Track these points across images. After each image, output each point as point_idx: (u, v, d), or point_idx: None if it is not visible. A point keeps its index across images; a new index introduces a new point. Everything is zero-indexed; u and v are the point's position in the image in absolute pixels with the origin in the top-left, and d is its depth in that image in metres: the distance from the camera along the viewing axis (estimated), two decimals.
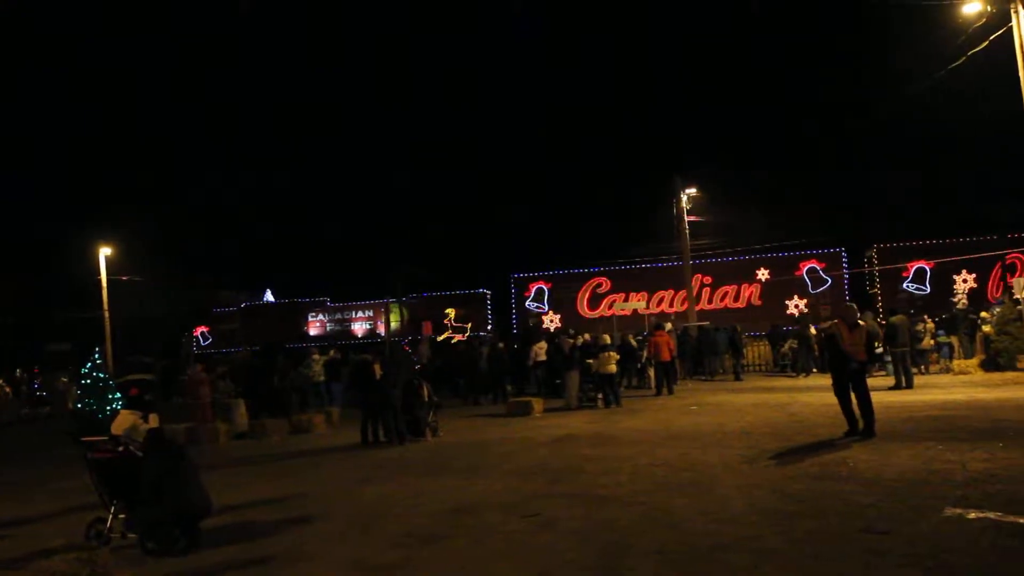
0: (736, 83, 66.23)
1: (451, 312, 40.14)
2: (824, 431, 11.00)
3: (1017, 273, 29.40)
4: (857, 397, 10.42)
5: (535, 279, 38.27)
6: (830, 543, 5.66)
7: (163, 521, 6.73)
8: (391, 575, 5.78)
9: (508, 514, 7.29)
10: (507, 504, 7.73)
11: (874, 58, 57.51)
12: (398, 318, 40.83)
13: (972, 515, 6.12)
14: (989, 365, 19.23)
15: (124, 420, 8.51)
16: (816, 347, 21.78)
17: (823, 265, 34.20)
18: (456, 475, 9.73)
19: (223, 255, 58.18)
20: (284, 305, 44.97)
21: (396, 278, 40.33)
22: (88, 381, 16.17)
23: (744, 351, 25.60)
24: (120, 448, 7.30)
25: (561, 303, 37.29)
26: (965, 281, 31.95)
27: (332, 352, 24.05)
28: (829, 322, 11.28)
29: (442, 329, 38.77)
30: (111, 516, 7.16)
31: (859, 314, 11.52)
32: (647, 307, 34.22)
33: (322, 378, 21.80)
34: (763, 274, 34.90)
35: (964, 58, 17.92)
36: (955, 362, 20.85)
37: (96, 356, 16.96)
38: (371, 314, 41.97)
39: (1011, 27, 17.21)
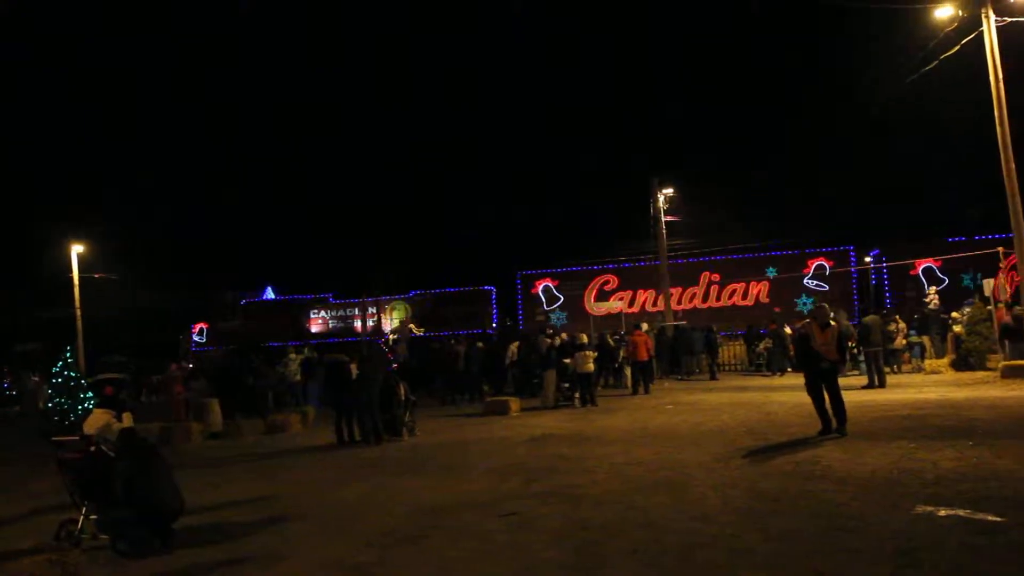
0: (735, 83, 66.76)
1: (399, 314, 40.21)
2: (798, 430, 11.11)
3: None
4: (829, 396, 10.53)
5: (541, 276, 37.86)
6: (804, 541, 5.71)
7: (136, 522, 6.66)
8: (367, 575, 5.76)
9: (485, 513, 7.28)
10: (484, 503, 7.73)
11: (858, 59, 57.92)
12: (402, 315, 40.64)
13: (942, 512, 6.21)
14: (960, 364, 19.56)
15: (97, 419, 8.39)
16: (791, 347, 21.99)
17: (831, 263, 33.88)
18: (433, 475, 9.71)
19: (223, 253, 58.08)
20: (285, 302, 44.42)
21: (373, 280, 40.18)
22: (60, 380, 15.95)
23: (719, 351, 25.81)
24: (92, 448, 7.19)
25: (569, 300, 36.85)
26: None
27: (307, 351, 23.92)
28: (801, 322, 11.40)
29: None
30: (82, 517, 7.04)
31: (832, 314, 11.65)
32: (655, 305, 34.21)
33: (298, 377, 21.67)
34: (771, 271, 34.52)
35: (936, 62, 18.17)
36: (927, 362, 21.18)
37: (68, 355, 16.72)
38: (374, 311, 41.68)
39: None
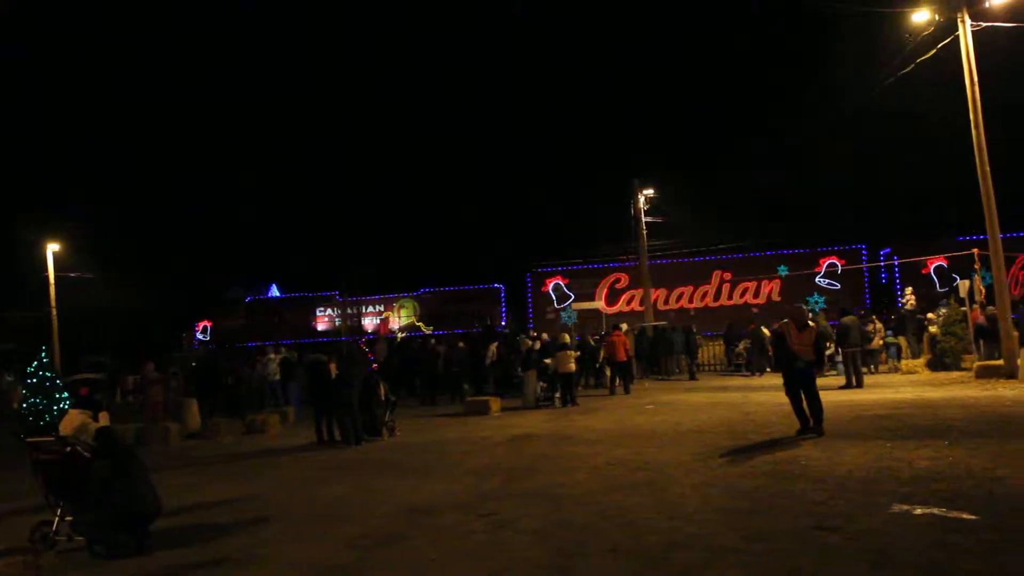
0: (735, 83, 66.99)
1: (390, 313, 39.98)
2: (777, 430, 11.19)
3: None
4: (806, 396, 10.61)
5: (552, 274, 37.66)
6: (783, 540, 5.75)
7: (112, 523, 6.59)
8: None
9: (465, 514, 7.28)
10: (464, 504, 7.72)
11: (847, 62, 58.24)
12: (410, 313, 40.43)
13: (918, 511, 6.28)
14: (935, 365, 19.79)
15: (73, 419, 8.29)
16: (770, 347, 22.14)
17: (843, 262, 33.81)
18: (413, 475, 9.69)
19: (226, 250, 57.59)
20: (290, 300, 43.90)
21: (344, 276, 39.98)
22: (35, 380, 15.74)
23: (698, 351, 25.93)
24: (67, 449, 7.10)
25: (580, 299, 36.54)
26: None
27: (286, 351, 23.78)
28: (779, 322, 11.50)
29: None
30: (57, 518, 6.94)
31: (811, 315, 11.75)
32: (666, 303, 34.18)
33: (277, 377, 21.54)
34: (783, 269, 34.44)
35: (912, 66, 18.39)
36: (903, 362, 21.40)
37: (43, 355, 16.51)
38: (382, 308, 41.33)
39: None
